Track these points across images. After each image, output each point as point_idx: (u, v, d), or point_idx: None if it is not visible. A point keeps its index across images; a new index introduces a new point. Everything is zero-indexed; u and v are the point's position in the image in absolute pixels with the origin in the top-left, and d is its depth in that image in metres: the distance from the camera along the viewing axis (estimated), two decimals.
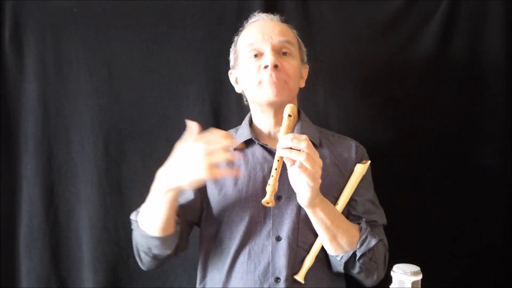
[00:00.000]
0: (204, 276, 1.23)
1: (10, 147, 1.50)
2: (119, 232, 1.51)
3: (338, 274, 1.21)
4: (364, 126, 1.51)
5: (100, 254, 1.50)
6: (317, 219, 1.09)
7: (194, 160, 0.98)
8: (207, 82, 1.50)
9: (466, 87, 1.48)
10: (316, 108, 1.51)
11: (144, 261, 1.19)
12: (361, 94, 1.51)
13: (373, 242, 1.13)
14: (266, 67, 1.15)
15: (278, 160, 1.04)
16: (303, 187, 1.03)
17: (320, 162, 1.03)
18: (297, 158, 1.00)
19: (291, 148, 1.01)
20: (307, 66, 1.28)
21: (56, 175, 1.51)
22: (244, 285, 1.15)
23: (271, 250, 1.15)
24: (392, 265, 0.94)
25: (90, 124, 1.50)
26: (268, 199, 1.03)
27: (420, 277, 0.90)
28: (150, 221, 1.11)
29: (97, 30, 1.49)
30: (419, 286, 0.91)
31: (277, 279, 1.14)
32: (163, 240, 1.12)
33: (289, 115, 1.08)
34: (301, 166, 0.99)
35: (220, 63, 1.43)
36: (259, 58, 1.17)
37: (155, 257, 1.16)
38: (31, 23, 1.48)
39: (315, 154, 1.02)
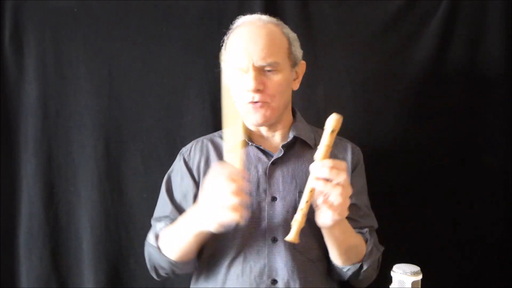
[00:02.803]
0: (198, 277, 1.23)
1: (10, 147, 1.50)
2: (120, 231, 1.51)
3: (336, 279, 1.22)
4: (364, 126, 1.50)
5: (101, 254, 1.50)
6: (332, 237, 1.08)
7: (221, 203, 0.95)
8: (207, 82, 1.49)
9: (466, 87, 1.49)
10: (316, 108, 1.51)
11: (162, 277, 1.21)
12: (361, 94, 1.51)
13: (377, 254, 1.17)
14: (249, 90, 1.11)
15: (310, 191, 0.94)
16: (327, 215, 0.98)
17: (350, 191, 0.96)
18: (331, 192, 0.92)
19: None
20: (303, 63, 1.22)
21: (56, 175, 1.51)
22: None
23: (267, 252, 1.13)
24: (392, 265, 0.94)
25: (90, 124, 1.50)
26: (293, 237, 0.94)
27: (420, 277, 0.90)
28: (177, 249, 1.12)
29: (97, 30, 1.49)
30: (419, 286, 0.91)
31: (274, 281, 1.12)
32: (188, 262, 1.15)
33: (333, 131, 0.95)
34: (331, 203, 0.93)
35: (220, 63, 1.43)
36: (245, 74, 1.13)
37: (176, 275, 1.18)
38: (31, 23, 1.48)
39: (348, 185, 0.95)
